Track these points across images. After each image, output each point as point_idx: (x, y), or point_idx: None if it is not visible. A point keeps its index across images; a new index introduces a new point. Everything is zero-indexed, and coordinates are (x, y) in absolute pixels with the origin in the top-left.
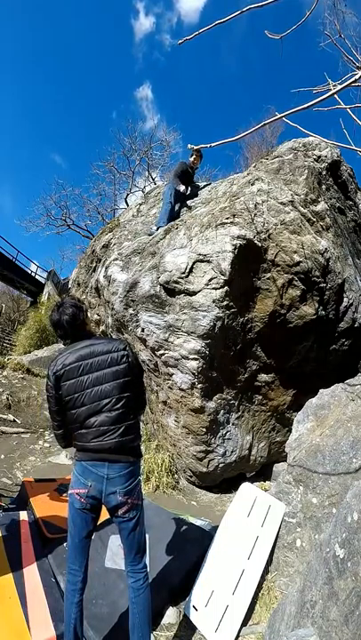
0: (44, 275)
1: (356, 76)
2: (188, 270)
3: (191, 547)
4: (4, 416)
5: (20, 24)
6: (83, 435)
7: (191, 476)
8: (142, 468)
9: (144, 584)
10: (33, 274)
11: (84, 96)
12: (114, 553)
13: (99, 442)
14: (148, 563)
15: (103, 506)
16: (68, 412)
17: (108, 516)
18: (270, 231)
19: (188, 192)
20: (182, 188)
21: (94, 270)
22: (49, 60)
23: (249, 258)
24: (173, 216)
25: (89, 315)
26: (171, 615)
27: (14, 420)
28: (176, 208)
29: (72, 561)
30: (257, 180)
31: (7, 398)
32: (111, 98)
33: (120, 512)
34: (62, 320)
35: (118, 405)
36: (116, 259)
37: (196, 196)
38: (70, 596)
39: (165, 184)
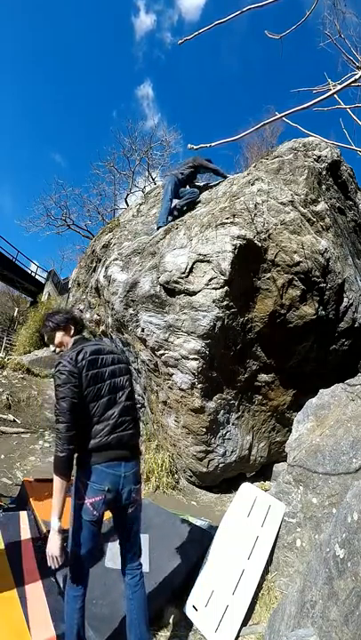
0: (44, 275)
1: (356, 76)
2: (188, 270)
3: (191, 547)
4: (4, 416)
5: (20, 23)
6: (99, 430)
7: (191, 476)
8: (142, 468)
9: (140, 580)
10: (33, 274)
11: (84, 95)
12: (114, 553)
13: (117, 435)
14: (146, 562)
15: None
16: (88, 404)
17: (107, 516)
18: (270, 231)
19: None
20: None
21: (94, 270)
22: (49, 58)
23: (249, 258)
24: (175, 214)
25: (88, 316)
26: (171, 615)
27: (14, 420)
28: (175, 204)
29: (76, 570)
30: (257, 180)
31: (7, 398)
32: (111, 96)
33: (129, 511)
34: (76, 316)
35: (130, 398)
36: (116, 259)
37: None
38: (73, 602)
39: (166, 176)
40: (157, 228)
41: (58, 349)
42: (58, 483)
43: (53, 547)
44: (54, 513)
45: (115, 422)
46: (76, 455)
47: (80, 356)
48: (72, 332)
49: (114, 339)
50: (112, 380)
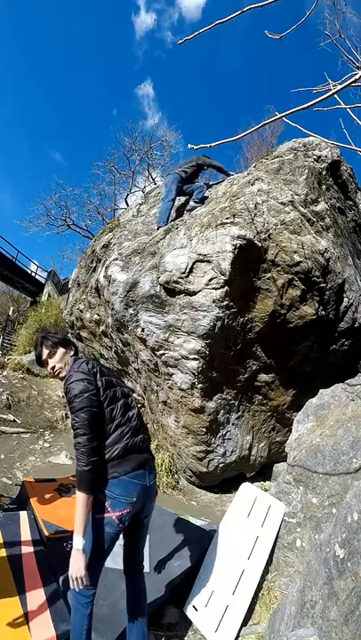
0: (44, 275)
1: (356, 76)
2: (188, 270)
3: (191, 547)
4: (4, 416)
5: (20, 21)
6: (123, 433)
7: (191, 476)
8: None
9: (141, 581)
10: (33, 274)
11: (84, 93)
12: (114, 553)
13: (140, 438)
14: (146, 562)
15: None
16: (107, 408)
17: None
18: (270, 231)
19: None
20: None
21: (94, 270)
22: (49, 57)
23: (249, 258)
24: (174, 214)
25: (89, 316)
26: (171, 615)
27: (14, 420)
28: (177, 202)
29: (90, 578)
30: (257, 180)
31: (7, 398)
32: (112, 95)
33: (146, 519)
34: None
35: (135, 406)
36: (116, 259)
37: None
38: (83, 608)
39: (168, 174)
40: (157, 228)
41: (57, 368)
42: (83, 498)
43: (78, 568)
44: (78, 531)
45: (135, 426)
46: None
47: (90, 365)
48: (72, 352)
49: (114, 338)
50: (119, 386)
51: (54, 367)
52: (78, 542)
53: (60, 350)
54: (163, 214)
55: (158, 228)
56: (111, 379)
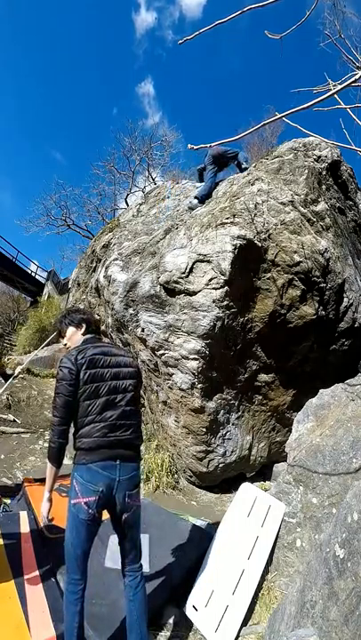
0: (44, 275)
1: (356, 76)
2: (188, 270)
3: (191, 547)
4: (4, 416)
5: (20, 20)
6: (95, 430)
7: (191, 476)
8: (142, 468)
9: (141, 581)
10: (33, 274)
11: (84, 92)
12: (113, 552)
13: (114, 437)
14: (146, 562)
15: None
16: (83, 402)
17: (106, 516)
18: (270, 231)
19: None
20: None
21: (94, 270)
22: (49, 55)
23: (249, 258)
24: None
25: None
26: (171, 615)
27: (14, 420)
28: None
29: (74, 571)
30: (257, 180)
31: (7, 398)
32: (112, 94)
33: (125, 516)
34: (93, 318)
35: (132, 403)
36: (116, 259)
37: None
38: (72, 605)
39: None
40: (195, 198)
41: (66, 346)
42: (49, 469)
43: (44, 510)
44: (46, 488)
45: (112, 424)
46: (75, 454)
47: (80, 355)
48: (83, 330)
49: (114, 338)
50: (113, 381)
51: (65, 344)
52: (45, 495)
53: (71, 330)
54: (202, 189)
55: (196, 200)
56: (102, 372)
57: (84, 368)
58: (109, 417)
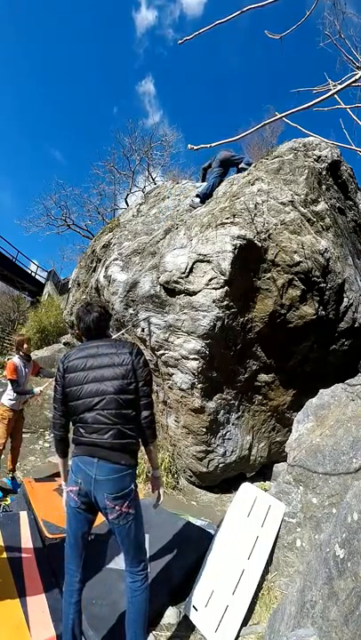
0: (44, 275)
1: (356, 76)
2: (188, 270)
3: (191, 546)
4: None
5: (20, 19)
6: (79, 428)
7: (191, 476)
8: (142, 467)
9: (142, 586)
10: (33, 274)
11: (84, 91)
12: (114, 553)
13: (91, 439)
14: (148, 565)
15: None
16: (68, 403)
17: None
18: (270, 231)
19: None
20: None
21: (94, 270)
22: (49, 54)
23: (249, 258)
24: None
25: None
26: (171, 615)
27: None
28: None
29: (69, 560)
30: (257, 180)
31: None
32: (112, 93)
33: (110, 517)
34: (88, 318)
35: (112, 406)
36: (116, 259)
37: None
38: (68, 596)
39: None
40: (196, 196)
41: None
42: (56, 459)
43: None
44: (62, 477)
45: (89, 427)
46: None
47: (66, 359)
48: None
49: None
50: (92, 384)
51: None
52: (62, 484)
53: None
54: (204, 187)
55: (197, 197)
56: (80, 376)
57: (65, 372)
58: (86, 419)
